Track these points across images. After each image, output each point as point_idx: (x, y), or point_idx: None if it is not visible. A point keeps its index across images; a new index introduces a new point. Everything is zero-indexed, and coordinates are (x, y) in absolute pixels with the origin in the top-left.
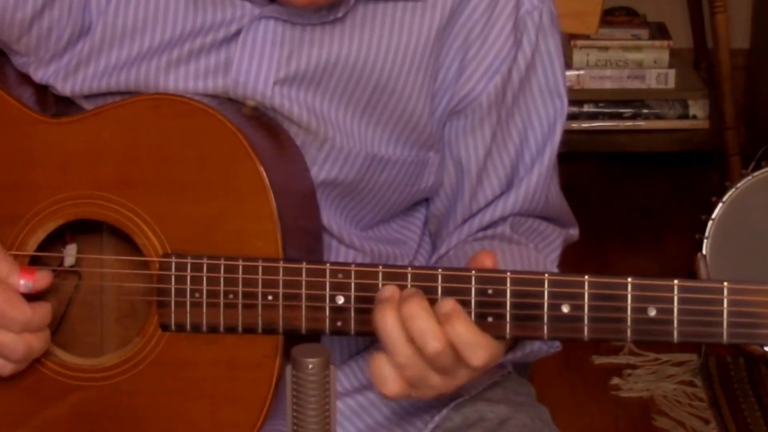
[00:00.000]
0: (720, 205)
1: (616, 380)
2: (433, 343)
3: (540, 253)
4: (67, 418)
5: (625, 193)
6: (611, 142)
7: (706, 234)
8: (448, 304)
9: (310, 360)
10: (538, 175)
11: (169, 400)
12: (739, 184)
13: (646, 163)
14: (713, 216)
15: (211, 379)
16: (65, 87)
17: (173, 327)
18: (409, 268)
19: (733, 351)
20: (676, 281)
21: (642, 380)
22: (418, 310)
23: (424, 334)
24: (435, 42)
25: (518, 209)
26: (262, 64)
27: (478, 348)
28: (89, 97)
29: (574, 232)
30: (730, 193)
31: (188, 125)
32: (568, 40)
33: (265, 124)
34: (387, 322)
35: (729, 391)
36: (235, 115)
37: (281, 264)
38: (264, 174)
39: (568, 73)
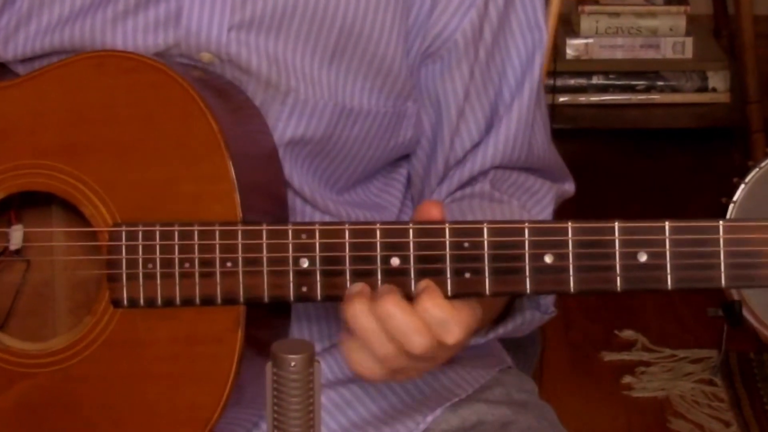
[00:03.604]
0: (742, 186)
1: (628, 379)
2: (417, 339)
3: (526, 210)
4: (13, 409)
5: (638, 173)
6: (623, 118)
7: (727, 218)
8: (422, 283)
9: (293, 357)
10: (518, 114)
11: (124, 384)
12: (762, 164)
13: (661, 140)
14: (735, 198)
15: (168, 358)
16: (7, 51)
17: (125, 302)
18: (378, 224)
19: (756, 347)
20: (667, 222)
21: (656, 379)
22: (393, 308)
23: (404, 331)
24: None
25: (500, 159)
26: (214, 8)
27: (452, 325)
28: (33, 59)
29: (569, 187)
30: (753, 173)
31: (135, 83)
32: (576, 6)
33: (220, 86)
34: (361, 318)
35: (752, 391)
36: (186, 71)
37: (239, 227)
38: (219, 131)
39: (576, 41)
